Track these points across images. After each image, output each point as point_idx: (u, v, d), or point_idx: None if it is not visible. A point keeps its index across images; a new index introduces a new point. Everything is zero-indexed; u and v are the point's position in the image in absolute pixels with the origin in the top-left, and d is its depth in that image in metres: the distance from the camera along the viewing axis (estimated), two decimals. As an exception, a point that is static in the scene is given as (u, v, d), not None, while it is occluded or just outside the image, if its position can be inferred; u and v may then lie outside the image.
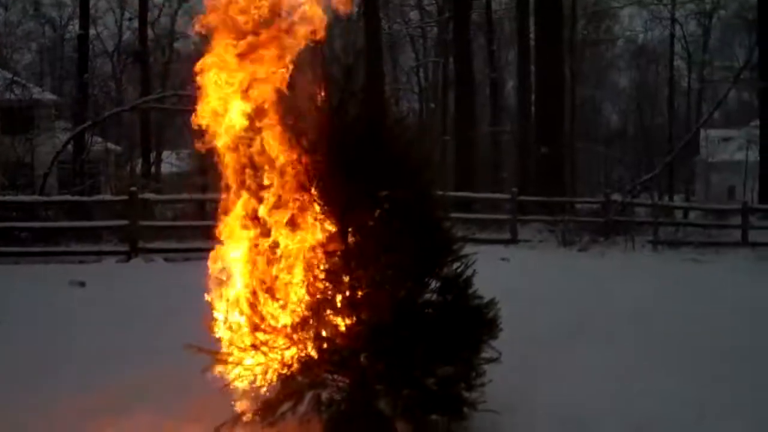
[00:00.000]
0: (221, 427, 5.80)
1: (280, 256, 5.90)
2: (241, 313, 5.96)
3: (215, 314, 6.09)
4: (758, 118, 33.36)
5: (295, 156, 5.88)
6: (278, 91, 5.99)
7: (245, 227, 6.04)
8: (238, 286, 6.03)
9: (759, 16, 32.74)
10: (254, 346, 5.84)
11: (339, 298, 5.84)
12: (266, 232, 5.98)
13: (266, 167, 6.00)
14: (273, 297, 5.89)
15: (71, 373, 7.71)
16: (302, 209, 5.91)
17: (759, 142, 32.08)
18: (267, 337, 5.83)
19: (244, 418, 5.84)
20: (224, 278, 6.11)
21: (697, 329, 9.97)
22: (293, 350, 5.81)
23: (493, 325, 6.06)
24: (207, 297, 6.17)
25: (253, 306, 5.91)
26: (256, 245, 6.00)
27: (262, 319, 5.87)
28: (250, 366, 5.90)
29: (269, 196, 6.00)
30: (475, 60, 38.18)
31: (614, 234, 22.83)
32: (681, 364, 8.27)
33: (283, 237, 5.89)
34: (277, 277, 5.90)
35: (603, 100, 61.81)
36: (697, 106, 51.66)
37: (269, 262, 5.94)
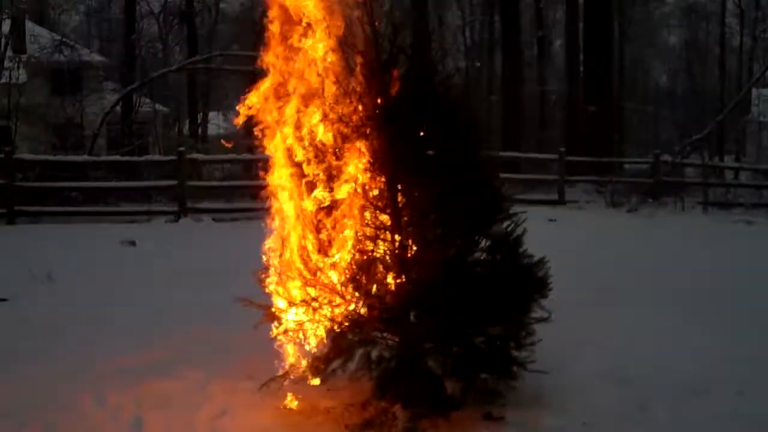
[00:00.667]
0: (270, 382, 5.86)
1: (331, 212, 5.90)
2: (293, 269, 5.97)
3: (267, 271, 6.10)
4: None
5: (345, 111, 5.85)
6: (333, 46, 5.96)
7: (296, 183, 6.03)
8: (290, 243, 6.03)
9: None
10: (305, 302, 5.86)
11: (388, 255, 5.83)
12: (315, 187, 5.97)
13: (317, 123, 5.98)
14: (324, 253, 5.89)
15: (120, 331, 7.82)
16: (352, 165, 5.88)
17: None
18: (318, 293, 5.85)
19: (294, 375, 5.88)
20: (276, 235, 6.11)
21: (747, 291, 9.88)
22: (343, 307, 5.83)
23: (543, 285, 6.03)
24: (258, 254, 6.17)
25: (304, 262, 5.93)
26: (306, 200, 5.99)
27: (313, 274, 5.88)
28: (301, 322, 5.92)
29: (319, 152, 5.99)
30: (522, 18, 37.76)
31: (663, 195, 22.57)
32: (730, 326, 8.19)
33: (332, 193, 5.88)
34: (328, 233, 5.90)
35: (653, 59, 60.81)
36: (750, 65, 50.68)
37: (320, 219, 5.95)
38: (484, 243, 6.03)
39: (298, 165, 6.00)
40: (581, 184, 23.53)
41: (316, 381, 5.86)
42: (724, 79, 47.59)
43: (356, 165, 5.87)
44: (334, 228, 5.92)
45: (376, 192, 5.89)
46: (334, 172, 5.93)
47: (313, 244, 5.94)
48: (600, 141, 26.55)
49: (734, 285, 10.23)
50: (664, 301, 9.18)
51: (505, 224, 6.07)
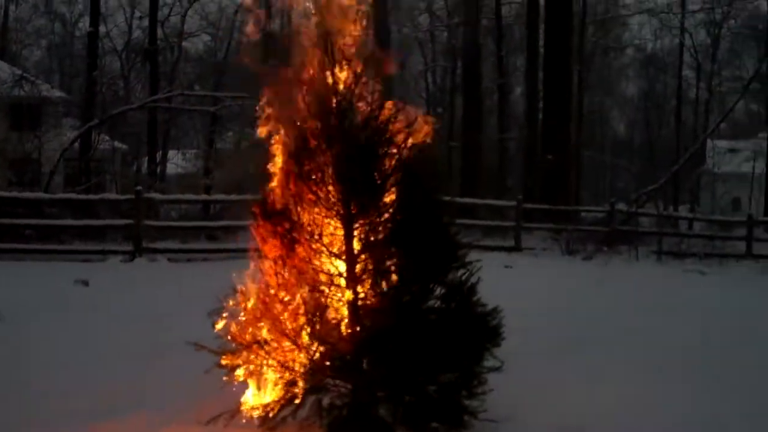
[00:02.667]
0: (217, 419, 5.81)
1: (289, 260, 5.90)
2: (246, 312, 5.95)
3: (221, 313, 6.06)
4: (766, 130, 33.28)
5: (303, 163, 5.88)
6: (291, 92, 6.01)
7: (257, 228, 6.05)
8: (246, 287, 6.02)
9: (768, 29, 32.73)
10: (258, 343, 5.83)
11: (342, 301, 5.83)
12: (276, 233, 5.97)
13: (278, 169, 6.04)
14: (278, 299, 5.88)
15: (69, 373, 7.69)
16: (309, 211, 5.91)
17: (766, 154, 32.03)
18: (271, 337, 5.83)
19: (244, 421, 5.83)
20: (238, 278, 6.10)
21: (700, 342, 9.97)
22: (296, 353, 5.81)
23: (495, 334, 6.05)
24: (213, 296, 6.14)
25: (258, 307, 5.91)
26: (265, 246, 6.00)
27: (266, 319, 5.86)
28: (253, 368, 5.89)
29: (278, 195, 6.03)
30: (483, 65, 38.18)
31: (618, 244, 22.81)
32: (683, 377, 8.24)
33: (289, 239, 5.89)
34: (285, 278, 5.90)
35: (611, 109, 61.69)
36: (705, 117, 51.55)
37: (275, 265, 5.95)
38: (439, 290, 6.05)
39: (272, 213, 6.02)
40: (538, 231, 23.71)
41: (267, 429, 5.81)
42: (680, 131, 48.32)
43: (312, 212, 5.89)
44: (290, 273, 5.93)
45: (332, 237, 5.91)
46: (295, 218, 5.95)
47: (268, 289, 5.93)
48: (557, 189, 26.81)
49: (687, 336, 10.30)
50: (618, 352, 9.22)
51: (460, 272, 6.10)
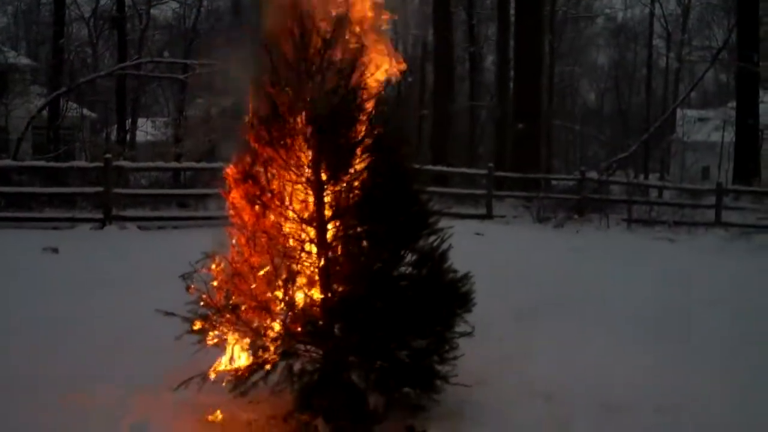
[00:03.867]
0: (188, 383, 5.82)
1: (260, 227, 5.89)
2: (218, 278, 5.94)
3: (191, 279, 6.04)
4: (735, 99, 33.49)
5: (273, 130, 5.85)
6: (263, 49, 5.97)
7: (228, 193, 6.04)
8: (217, 253, 6.01)
9: (738, -2, 32.79)
10: (229, 310, 5.82)
11: (313, 268, 5.84)
12: (246, 198, 5.96)
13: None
14: (250, 265, 5.88)
15: (37, 342, 7.65)
16: (279, 177, 5.89)
17: (735, 123, 32.24)
18: (242, 302, 5.83)
19: (215, 386, 5.84)
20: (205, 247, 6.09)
21: (666, 306, 10.09)
22: (267, 319, 5.81)
23: (466, 300, 6.09)
24: (183, 263, 6.12)
25: (229, 272, 5.91)
26: (235, 211, 5.99)
27: (237, 285, 5.86)
28: (224, 333, 5.89)
29: (248, 161, 6.01)
30: (454, 34, 38.10)
31: (589, 211, 22.94)
32: (649, 341, 8.34)
33: (260, 205, 5.88)
34: (254, 245, 5.89)
35: (581, 78, 61.86)
36: (675, 86, 51.80)
37: (246, 231, 5.94)
38: (410, 257, 6.06)
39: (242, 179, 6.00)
40: (509, 199, 23.78)
41: (238, 394, 5.82)
42: (650, 100, 48.54)
43: (282, 178, 5.87)
44: (261, 239, 5.92)
45: (302, 205, 5.91)
46: (265, 184, 5.93)
47: (239, 255, 5.93)
48: (528, 157, 26.89)
49: (657, 302, 10.41)
50: (588, 317, 9.31)
51: (431, 239, 6.11)
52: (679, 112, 46.76)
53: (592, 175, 25.86)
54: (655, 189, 30.31)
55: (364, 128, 5.99)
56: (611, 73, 60.55)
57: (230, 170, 6.07)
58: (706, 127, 48.41)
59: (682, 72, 52.05)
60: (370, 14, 6.45)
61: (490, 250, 14.20)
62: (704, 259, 16.18)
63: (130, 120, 35.53)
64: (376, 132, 6.03)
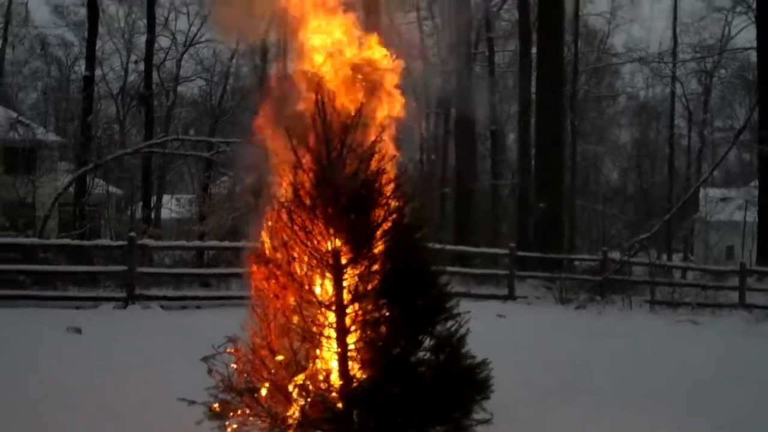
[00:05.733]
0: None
1: (281, 310, 5.93)
2: (238, 360, 5.97)
3: (214, 364, 6.07)
4: (757, 179, 33.44)
5: (294, 214, 5.92)
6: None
7: (250, 276, 6.11)
8: (238, 336, 6.06)
9: (759, 77, 32.95)
10: (249, 394, 5.83)
11: (332, 353, 5.85)
12: (268, 281, 6.01)
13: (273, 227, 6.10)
14: (269, 347, 5.90)
15: (60, 422, 7.64)
16: (299, 261, 5.95)
17: (758, 203, 32.13)
18: (262, 386, 5.84)
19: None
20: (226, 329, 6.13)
21: (691, 392, 9.98)
22: (286, 404, 5.81)
23: (484, 386, 6.08)
24: (206, 345, 6.15)
25: (249, 355, 5.93)
26: (257, 294, 6.05)
27: (257, 368, 5.88)
28: (244, 419, 5.89)
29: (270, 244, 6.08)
30: (476, 112, 38.38)
31: (611, 293, 22.80)
32: (674, 427, 8.24)
33: (282, 290, 5.93)
34: (274, 329, 5.92)
35: (604, 157, 61.96)
36: (698, 165, 51.87)
37: (267, 314, 5.98)
38: (428, 342, 6.07)
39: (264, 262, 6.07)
40: (531, 279, 23.68)
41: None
42: (673, 179, 48.57)
43: (303, 261, 5.93)
44: (282, 322, 5.95)
45: (321, 288, 5.95)
46: (286, 268, 5.99)
47: (261, 340, 5.96)
48: (550, 237, 26.82)
49: (682, 384, 10.32)
50: (611, 401, 9.21)
51: (449, 324, 6.12)
52: (702, 192, 46.68)
53: (615, 255, 25.76)
54: (678, 270, 30.11)
55: (383, 211, 6.06)
56: (633, 152, 60.69)
57: (251, 253, 6.14)
58: (729, 207, 48.33)
59: (704, 151, 52.17)
60: (389, 100, 6.56)
61: (511, 332, 14.14)
62: (728, 341, 16.02)
63: (155, 197, 35.90)
64: (395, 215, 6.08)
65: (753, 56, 34.52)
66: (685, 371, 11.36)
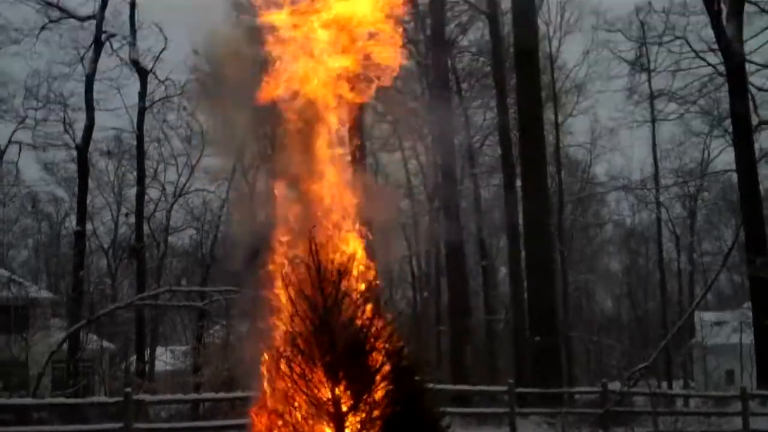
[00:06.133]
0: None
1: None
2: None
3: None
4: (750, 300, 33.49)
5: (293, 363, 5.97)
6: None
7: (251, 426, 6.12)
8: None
9: (741, 199, 33.31)
10: None
11: None
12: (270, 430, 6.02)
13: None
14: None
15: None
16: (300, 410, 5.96)
17: (753, 324, 32.08)
18: None
19: None
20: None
21: None
22: None
23: None
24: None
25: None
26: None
27: None
28: None
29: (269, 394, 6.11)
30: (466, 247, 38.61)
31: (614, 425, 22.51)
32: None
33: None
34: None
35: (595, 285, 62.07)
36: (690, 289, 51.98)
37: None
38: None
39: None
40: (533, 416, 23.38)
41: None
42: (666, 304, 48.63)
43: (303, 411, 5.94)
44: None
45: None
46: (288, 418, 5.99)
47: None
48: (548, 370, 26.63)
49: None
50: None
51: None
52: (697, 315, 46.64)
53: (615, 386, 25.56)
54: (680, 398, 29.84)
55: (381, 356, 6.10)
56: (625, 279, 60.88)
57: (251, 403, 6.16)
58: (724, 330, 48.19)
59: (695, 274, 52.40)
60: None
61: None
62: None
63: (149, 350, 35.69)
64: (393, 359, 6.13)
65: (734, 177, 35.10)
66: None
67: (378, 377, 6.06)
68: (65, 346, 28.13)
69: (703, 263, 54.25)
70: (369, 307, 6.21)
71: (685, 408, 26.27)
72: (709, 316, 51.10)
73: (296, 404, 6.01)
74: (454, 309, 34.44)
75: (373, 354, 6.12)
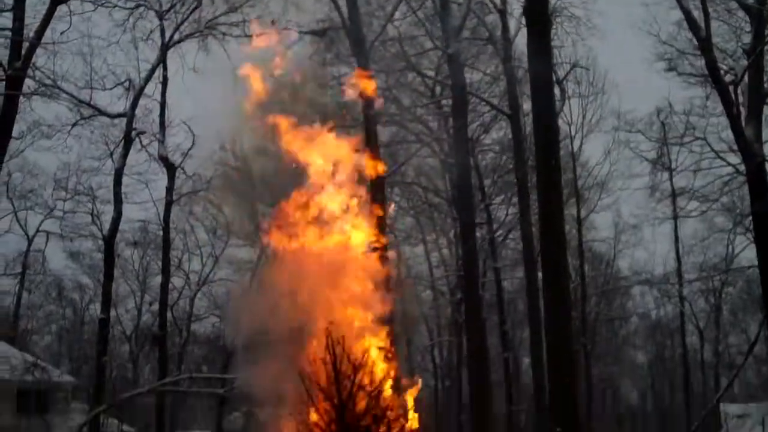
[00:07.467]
0: None
1: None
2: None
3: None
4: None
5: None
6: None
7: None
8: None
9: (763, 295, 33.15)
10: None
11: None
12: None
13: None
14: None
15: None
16: None
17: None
18: None
19: None
20: None
21: None
22: None
23: None
24: None
25: None
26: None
27: None
28: None
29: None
30: (489, 338, 38.55)
31: None
32: None
33: None
34: None
35: (621, 378, 61.51)
36: (715, 381, 51.41)
37: None
38: None
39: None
40: None
41: None
42: (690, 397, 48.07)
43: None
44: None
45: None
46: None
47: None
48: (570, 462, 26.33)
49: None
50: None
51: None
52: (722, 408, 46.05)
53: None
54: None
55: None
56: (650, 372, 60.38)
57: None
58: (748, 422, 47.45)
59: (721, 367, 51.89)
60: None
61: None
62: None
63: (168, 435, 35.61)
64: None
65: (757, 273, 34.93)
66: None
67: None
68: (86, 429, 28.18)
69: (729, 354, 53.73)
70: (382, 398, 6.34)
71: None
72: (734, 408, 50.45)
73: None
74: (476, 399, 34.22)
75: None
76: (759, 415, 43.88)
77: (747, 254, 42.80)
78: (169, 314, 36.69)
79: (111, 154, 33.11)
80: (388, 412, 6.31)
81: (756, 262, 33.07)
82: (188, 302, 41.40)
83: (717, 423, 47.88)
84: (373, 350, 6.62)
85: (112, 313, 36.94)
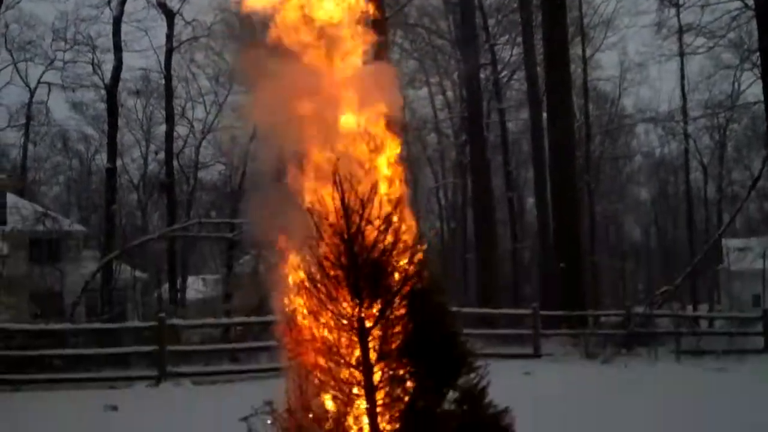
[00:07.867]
0: None
1: (312, 371, 6.32)
2: (277, 424, 6.33)
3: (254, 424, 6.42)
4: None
5: (319, 284, 6.32)
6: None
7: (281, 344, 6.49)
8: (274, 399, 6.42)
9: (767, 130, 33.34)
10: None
11: (361, 408, 6.20)
12: (298, 348, 6.40)
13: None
14: (304, 408, 6.26)
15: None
16: (327, 327, 6.33)
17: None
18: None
19: None
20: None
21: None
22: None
23: (507, 432, 6.39)
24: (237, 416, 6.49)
25: (286, 416, 6.29)
26: (289, 360, 6.43)
27: (291, 423, 6.24)
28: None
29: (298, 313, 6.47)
30: (493, 179, 38.91)
31: (637, 345, 22.98)
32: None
33: (311, 353, 6.32)
34: (307, 389, 6.29)
35: (625, 214, 62.18)
36: (718, 217, 51.98)
37: (299, 377, 6.35)
38: (451, 394, 6.41)
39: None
40: (556, 337, 23.88)
41: None
42: (693, 233, 48.70)
43: (330, 327, 6.31)
44: (314, 383, 6.33)
45: (348, 350, 6.32)
46: (315, 333, 6.37)
47: (298, 398, 6.33)
48: (572, 296, 27.05)
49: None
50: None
51: (471, 376, 6.48)
52: (723, 242, 46.77)
53: (638, 309, 25.98)
54: (704, 320, 30.25)
55: (401, 278, 6.44)
56: (653, 209, 60.98)
57: (281, 322, 6.54)
58: (749, 256, 48.29)
59: (723, 202, 52.38)
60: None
61: (537, 389, 14.37)
62: (754, 388, 16.15)
63: (180, 279, 36.36)
64: (412, 281, 6.47)
65: (763, 108, 34.81)
66: (709, 423, 11.49)
67: (398, 298, 6.40)
68: (98, 276, 28.83)
69: (732, 191, 54.13)
70: (390, 233, 6.50)
71: (709, 329, 26.70)
72: (735, 242, 51.27)
73: (323, 321, 6.36)
74: (481, 238, 34.84)
75: (394, 275, 6.44)
76: (760, 248, 44.61)
77: (753, 90, 42.59)
78: (175, 162, 36.89)
79: (109, 2, 32.68)
80: (397, 244, 6.47)
81: (762, 98, 33.06)
82: (194, 150, 41.52)
83: (719, 257, 48.78)
84: (381, 184, 6.72)
85: (119, 162, 37.16)
